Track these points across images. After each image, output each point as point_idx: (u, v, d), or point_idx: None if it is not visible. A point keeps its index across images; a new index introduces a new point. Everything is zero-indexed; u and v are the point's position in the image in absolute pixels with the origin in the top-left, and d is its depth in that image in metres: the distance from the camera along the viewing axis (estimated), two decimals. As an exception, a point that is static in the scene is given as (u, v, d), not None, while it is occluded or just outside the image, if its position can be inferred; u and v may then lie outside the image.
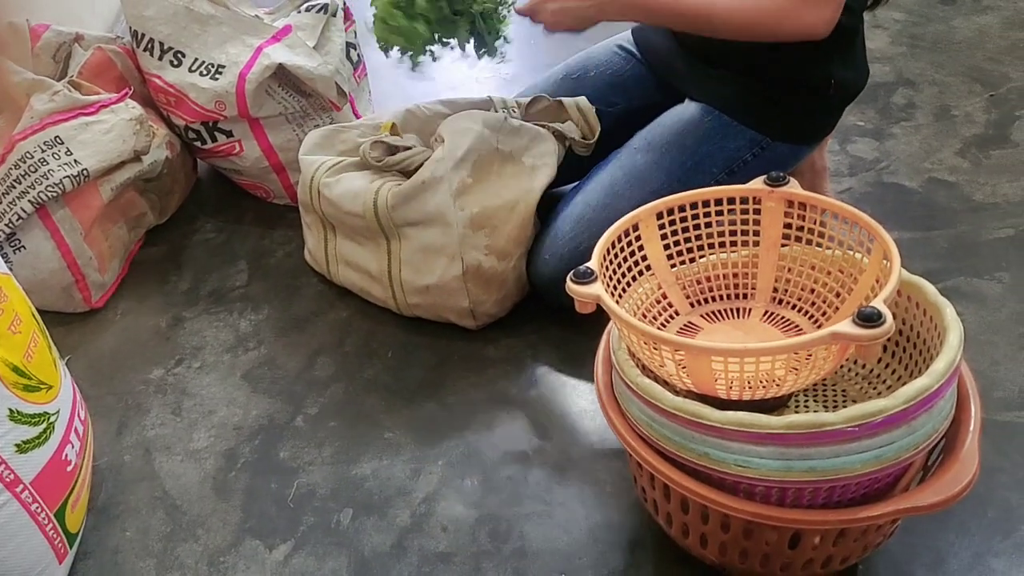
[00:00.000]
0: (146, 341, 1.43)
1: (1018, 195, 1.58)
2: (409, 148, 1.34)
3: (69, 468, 1.04)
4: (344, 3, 1.71)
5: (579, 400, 1.26)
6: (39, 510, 0.97)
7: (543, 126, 1.36)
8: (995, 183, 1.61)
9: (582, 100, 1.40)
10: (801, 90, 1.26)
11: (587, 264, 0.93)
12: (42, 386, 1.01)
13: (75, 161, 1.41)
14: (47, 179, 1.38)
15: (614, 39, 1.52)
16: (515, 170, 1.32)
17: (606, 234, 1.00)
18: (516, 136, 1.33)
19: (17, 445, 0.95)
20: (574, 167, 1.39)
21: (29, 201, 1.37)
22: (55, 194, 1.38)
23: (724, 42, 1.19)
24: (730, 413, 0.83)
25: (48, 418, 1.01)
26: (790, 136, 1.29)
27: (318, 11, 1.66)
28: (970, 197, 1.58)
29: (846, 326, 0.81)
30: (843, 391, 1.04)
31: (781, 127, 1.28)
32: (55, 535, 1.00)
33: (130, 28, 1.61)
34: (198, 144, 1.65)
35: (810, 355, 0.89)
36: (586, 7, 1.20)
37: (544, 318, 1.37)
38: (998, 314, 1.34)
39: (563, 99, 1.40)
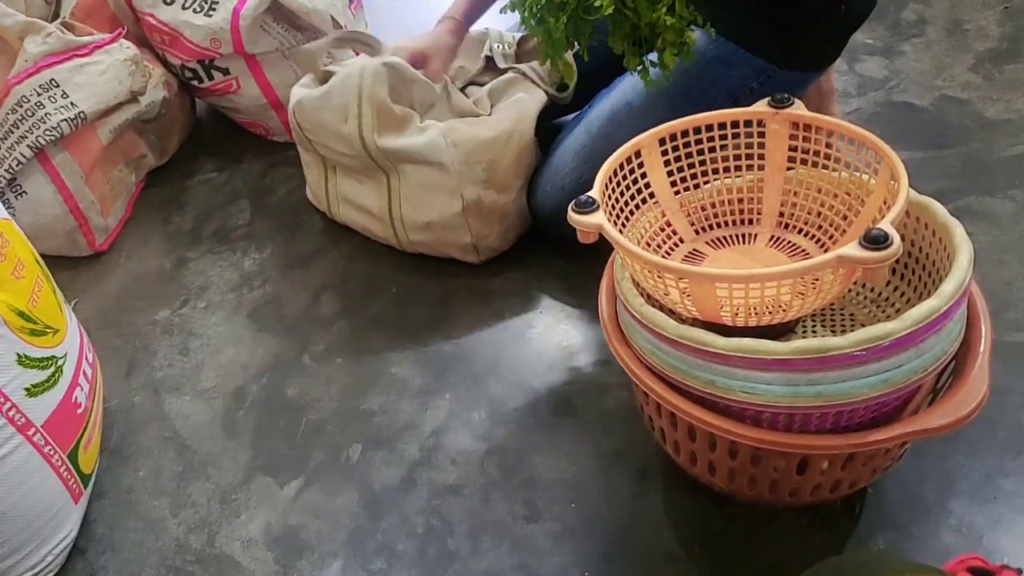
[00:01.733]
0: (151, 282, 1.43)
1: (1032, 110, 1.54)
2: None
3: (80, 410, 1.05)
4: (337, -68, 1.66)
5: (585, 331, 1.25)
6: (52, 452, 0.98)
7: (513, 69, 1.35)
8: (1009, 99, 1.57)
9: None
10: (810, 14, 1.22)
11: (588, 193, 0.92)
12: (48, 330, 1.01)
13: (72, 104, 1.39)
14: (44, 123, 1.36)
15: None
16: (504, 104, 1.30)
17: (608, 162, 0.98)
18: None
19: (27, 389, 0.95)
20: (577, 95, 1.36)
21: (28, 146, 1.36)
22: (53, 138, 1.37)
23: None
24: (735, 340, 0.82)
25: (56, 361, 1.01)
26: (798, 63, 1.26)
27: (311, -59, 1.61)
28: (982, 114, 1.55)
29: (852, 248, 0.80)
30: (851, 315, 1.03)
31: (788, 54, 1.24)
32: (69, 476, 1.01)
33: (120, -35, 1.57)
34: (195, 83, 1.62)
35: (816, 279, 0.87)
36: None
37: (548, 249, 1.36)
38: (1011, 233, 1.32)
39: None
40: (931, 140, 1.50)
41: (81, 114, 1.40)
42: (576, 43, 1.16)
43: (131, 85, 1.48)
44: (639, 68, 1.14)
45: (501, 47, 1.40)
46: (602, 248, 0.93)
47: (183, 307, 1.37)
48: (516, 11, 1.14)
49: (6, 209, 1.11)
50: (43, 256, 1.11)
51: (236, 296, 1.38)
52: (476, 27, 1.41)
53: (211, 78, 1.60)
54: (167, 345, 1.31)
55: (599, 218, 0.90)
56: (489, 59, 1.43)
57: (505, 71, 1.38)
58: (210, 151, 1.69)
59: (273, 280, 1.39)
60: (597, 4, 1.05)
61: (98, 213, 1.46)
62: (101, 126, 1.45)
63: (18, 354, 0.95)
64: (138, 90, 1.49)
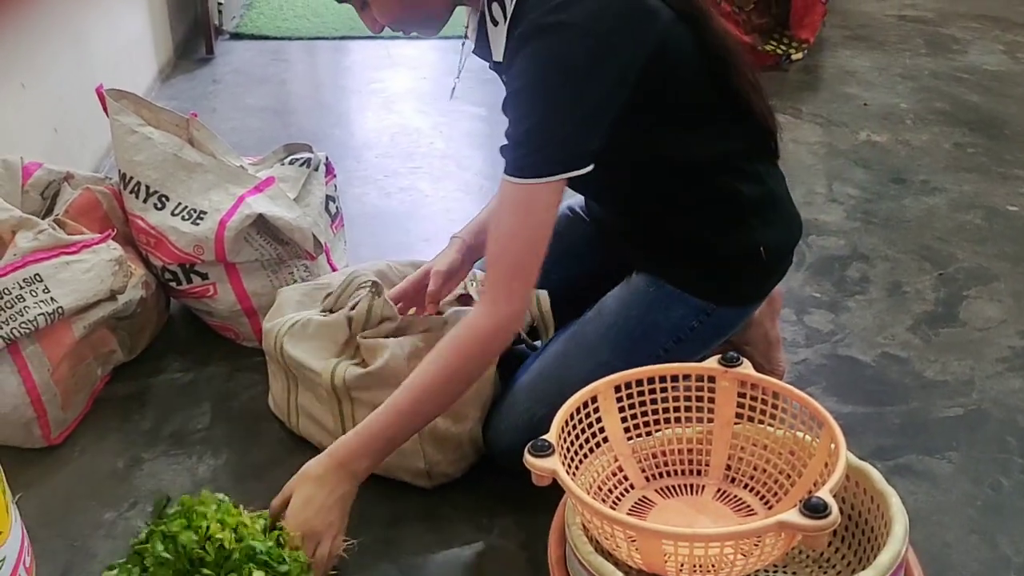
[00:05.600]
0: (101, 481, 1.42)
1: (966, 374, 1.63)
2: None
3: (8, 621, 1.02)
4: (327, 158, 1.79)
5: (535, 566, 1.25)
6: (-28, 666, 0.94)
7: None
8: (944, 360, 1.67)
9: (543, 296, 1.41)
10: (731, 259, 1.30)
11: (544, 437, 0.96)
12: (-9, 534, 1.00)
13: (52, 299, 1.43)
14: (22, 315, 1.40)
15: (567, 202, 1.54)
16: None
17: (565, 405, 1.03)
18: None
19: (-42, 596, 0.93)
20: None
21: (1, 337, 1.38)
22: (28, 331, 1.40)
23: (643, 223, 1.25)
24: (679, 598, 0.84)
25: (-7, 567, 0.99)
26: (732, 301, 1.32)
27: (301, 164, 1.73)
28: (921, 374, 1.64)
29: (793, 516, 0.84)
30: (794, 573, 1.06)
31: (722, 293, 1.31)
32: None
33: (119, 171, 1.66)
34: (173, 284, 1.68)
35: (759, 540, 0.91)
36: (328, 495, 1.16)
37: (501, 477, 1.36)
38: (949, 495, 1.37)
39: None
40: (873, 396, 1.58)
41: (59, 309, 1.43)
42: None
43: (112, 284, 1.52)
44: None
45: (475, 284, 1.47)
46: (555, 484, 0.95)
47: (130, 510, 1.36)
48: None
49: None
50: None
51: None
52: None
53: (190, 281, 1.66)
54: (108, 550, 1.28)
55: (554, 463, 0.93)
56: (464, 296, 1.49)
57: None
58: (179, 350, 1.72)
59: (225, 489, 1.37)
60: None
61: (58, 406, 1.47)
62: (77, 321, 1.48)
63: (-43, 558, 0.94)
64: (118, 289, 1.54)
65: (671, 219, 1.21)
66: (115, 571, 1.18)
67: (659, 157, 1.22)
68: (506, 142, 1.12)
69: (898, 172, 2.37)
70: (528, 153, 1.10)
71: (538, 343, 1.42)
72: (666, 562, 0.90)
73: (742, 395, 1.08)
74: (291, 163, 1.73)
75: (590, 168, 1.10)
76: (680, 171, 1.22)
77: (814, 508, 0.83)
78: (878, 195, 2.27)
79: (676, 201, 1.26)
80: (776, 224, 1.33)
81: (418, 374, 1.16)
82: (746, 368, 1.08)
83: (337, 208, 1.79)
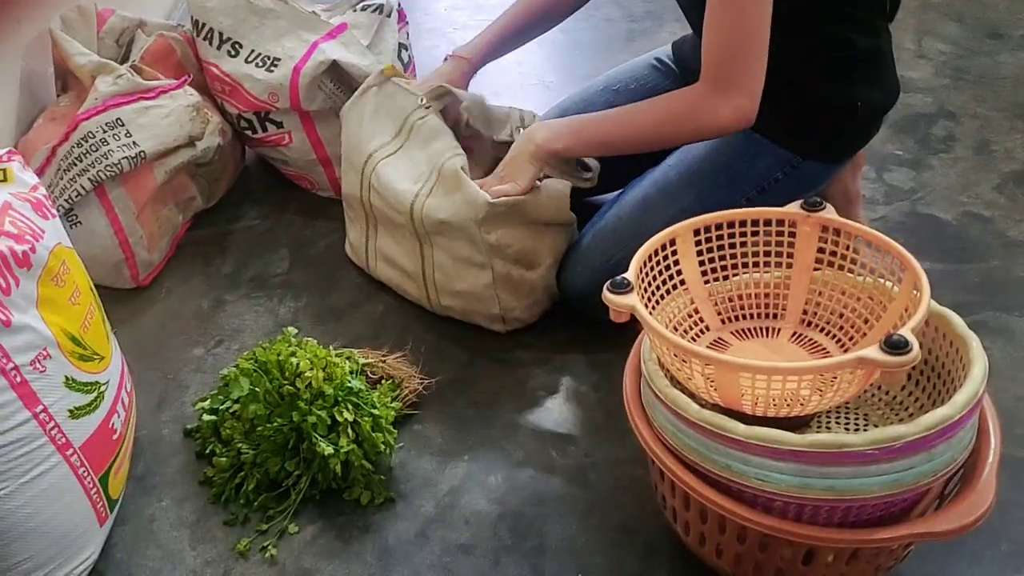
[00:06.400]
0: (188, 320, 1.48)
1: (1052, 234, 1.59)
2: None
3: (115, 436, 1.09)
4: (399, 4, 1.75)
5: (605, 406, 1.29)
6: (86, 474, 1.02)
7: None
8: (1030, 220, 1.62)
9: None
10: (828, 111, 1.28)
11: (623, 275, 0.96)
12: (96, 356, 1.06)
13: (134, 143, 1.46)
14: (107, 159, 1.43)
15: (653, 52, 1.54)
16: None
17: (644, 247, 1.03)
18: None
19: (70, 411, 0.99)
20: (612, 178, 1.42)
21: (89, 179, 1.42)
22: (113, 174, 1.44)
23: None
24: (754, 428, 0.86)
25: (99, 387, 1.05)
26: (820, 155, 1.31)
27: (373, 11, 1.70)
28: (1004, 233, 1.60)
29: (873, 352, 0.84)
30: (865, 415, 1.07)
31: (810, 146, 1.30)
32: (98, 499, 1.05)
33: (191, 17, 1.66)
34: (249, 133, 1.70)
35: (836, 377, 0.91)
36: (525, 156, 1.27)
37: (574, 324, 1.40)
38: (1025, 351, 1.35)
39: None
40: (953, 254, 1.55)
41: (141, 153, 1.47)
42: None
43: (190, 130, 1.55)
44: None
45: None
46: (626, 326, 0.97)
47: (217, 347, 1.42)
48: None
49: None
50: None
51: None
52: (501, 106, 1.44)
53: (265, 130, 1.67)
54: (199, 382, 1.35)
55: (633, 300, 0.94)
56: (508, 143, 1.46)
57: None
58: (256, 199, 1.76)
59: (306, 329, 1.44)
60: None
61: (145, 248, 1.52)
62: (158, 166, 1.52)
63: (66, 376, 1.00)
64: (196, 135, 1.56)
65: (778, 58, 1.18)
66: (207, 402, 1.24)
67: None
68: None
69: (995, 26, 2.24)
70: None
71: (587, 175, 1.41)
72: (742, 396, 0.92)
73: (823, 240, 1.07)
74: (363, 9, 1.71)
75: None
76: (797, 8, 1.18)
77: (895, 345, 0.83)
78: (971, 51, 2.15)
79: (788, 40, 1.22)
80: (878, 84, 1.29)
81: (635, 115, 1.22)
82: (829, 213, 1.06)
83: (410, 56, 1.77)
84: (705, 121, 1.16)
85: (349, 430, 1.11)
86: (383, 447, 1.14)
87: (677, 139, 1.25)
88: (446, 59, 1.49)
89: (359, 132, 1.46)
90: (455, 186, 1.30)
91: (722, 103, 1.14)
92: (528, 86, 2.09)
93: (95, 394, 1.04)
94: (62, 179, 1.44)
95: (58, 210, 1.42)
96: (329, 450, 1.09)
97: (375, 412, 1.14)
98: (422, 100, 1.40)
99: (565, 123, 1.29)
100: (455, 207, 1.29)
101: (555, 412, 1.29)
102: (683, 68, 1.49)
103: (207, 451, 1.20)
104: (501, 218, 1.28)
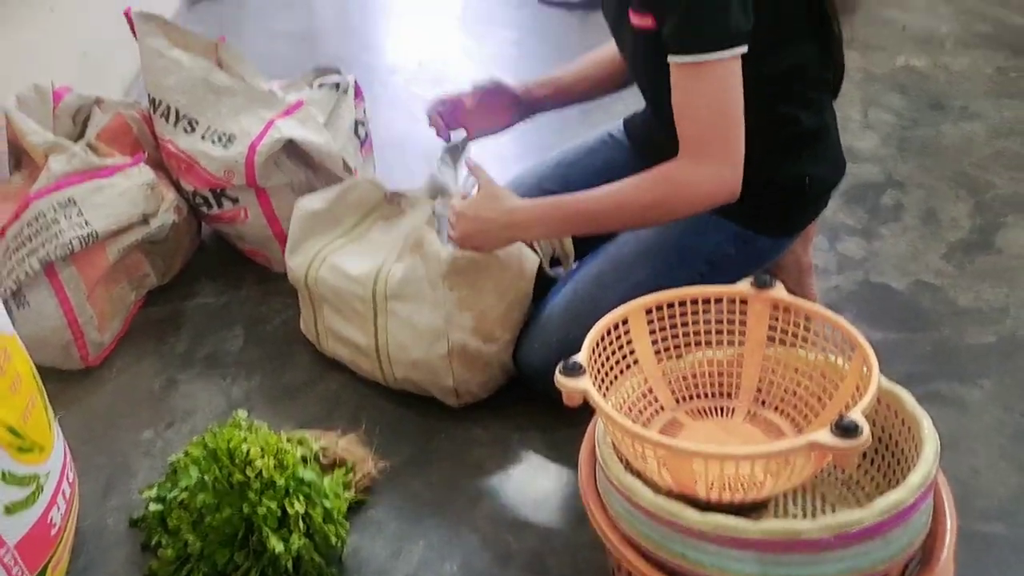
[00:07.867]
0: (139, 402, 1.45)
1: (1000, 301, 1.61)
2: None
3: (53, 532, 1.05)
4: (355, 82, 1.77)
5: (563, 488, 1.27)
6: (20, 573, 0.98)
7: None
8: (979, 288, 1.65)
9: None
10: (777, 188, 1.30)
11: (576, 358, 0.96)
12: (35, 447, 1.03)
13: (86, 222, 1.44)
14: (58, 238, 1.41)
15: (606, 128, 1.56)
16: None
17: (596, 327, 1.03)
18: None
19: (6, 507, 0.96)
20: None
21: (38, 259, 1.40)
22: (64, 254, 1.42)
23: None
24: (709, 515, 0.85)
25: (38, 480, 1.02)
26: (770, 230, 1.32)
27: (330, 88, 1.72)
28: (954, 301, 1.62)
29: (824, 436, 0.84)
30: (822, 495, 1.06)
31: (761, 222, 1.31)
32: (34, 599, 1.01)
33: (148, 94, 1.66)
34: (204, 209, 1.68)
35: (789, 461, 0.91)
36: (499, 228, 1.26)
37: (531, 400, 1.38)
38: (979, 421, 1.36)
39: None
40: (905, 323, 1.56)
41: (93, 233, 1.45)
42: None
43: (144, 208, 1.54)
44: None
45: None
46: (584, 405, 0.96)
47: (167, 429, 1.39)
48: None
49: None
50: (35, 366, 1.14)
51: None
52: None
53: (221, 206, 1.66)
54: (148, 467, 1.32)
55: (585, 383, 0.94)
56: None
57: None
58: (211, 275, 1.74)
59: (259, 410, 1.41)
60: None
61: (95, 328, 1.49)
62: (111, 245, 1.50)
63: (3, 471, 0.96)
64: (151, 213, 1.55)
65: None
66: (154, 490, 1.21)
67: None
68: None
69: (936, 98, 2.31)
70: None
71: (560, 270, 1.42)
72: (696, 481, 0.91)
73: (774, 318, 1.08)
74: (320, 87, 1.72)
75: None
76: (748, 88, 1.20)
77: (846, 429, 0.83)
78: (915, 121, 2.21)
79: None
80: (825, 160, 1.32)
81: (619, 192, 1.19)
82: (779, 290, 1.07)
83: (366, 132, 1.78)
84: (687, 195, 1.16)
85: (300, 523, 1.08)
86: (335, 540, 1.11)
87: (661, 221, 1.24)
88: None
89: (311, 226, 1.48)
90: (418, 247, 1.32)
91: (704, 176, 1.14)
92: (484, 157, 2.10)
93: (33, 487, 1.01)
94: (11, 259, 1.42)
95: (5, 291, 1.40)
96: (280, 547, 1.06)
97: (326, 505, 1.12)
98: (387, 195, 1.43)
99: (546, 206, 1.26)
100: (420, 264, 1.31)
101: (512, 495, 1.27)
102: (634, 141, 1.51)
103: (153, 543, 1.16)
104: (465, 273, 1.29)
